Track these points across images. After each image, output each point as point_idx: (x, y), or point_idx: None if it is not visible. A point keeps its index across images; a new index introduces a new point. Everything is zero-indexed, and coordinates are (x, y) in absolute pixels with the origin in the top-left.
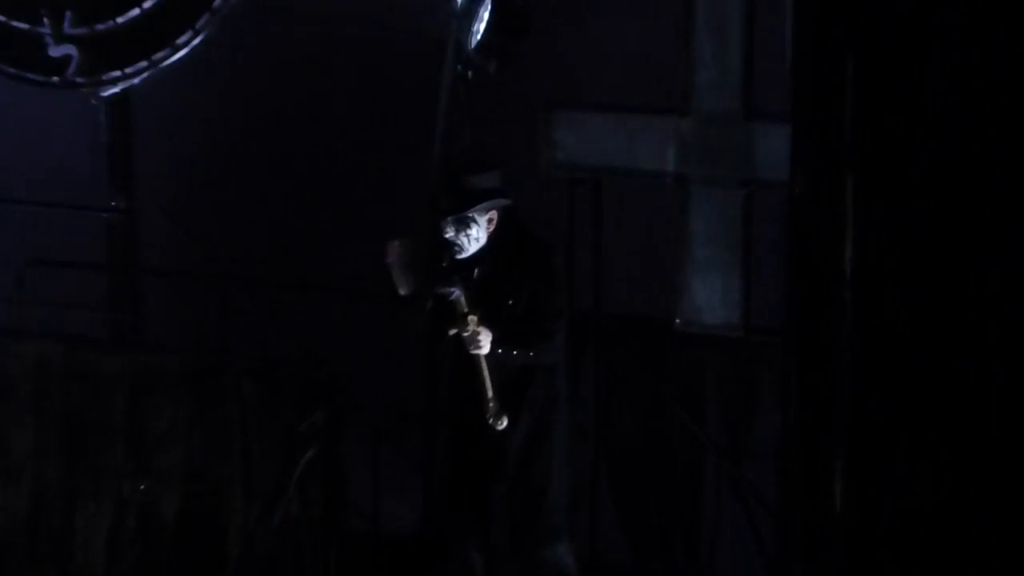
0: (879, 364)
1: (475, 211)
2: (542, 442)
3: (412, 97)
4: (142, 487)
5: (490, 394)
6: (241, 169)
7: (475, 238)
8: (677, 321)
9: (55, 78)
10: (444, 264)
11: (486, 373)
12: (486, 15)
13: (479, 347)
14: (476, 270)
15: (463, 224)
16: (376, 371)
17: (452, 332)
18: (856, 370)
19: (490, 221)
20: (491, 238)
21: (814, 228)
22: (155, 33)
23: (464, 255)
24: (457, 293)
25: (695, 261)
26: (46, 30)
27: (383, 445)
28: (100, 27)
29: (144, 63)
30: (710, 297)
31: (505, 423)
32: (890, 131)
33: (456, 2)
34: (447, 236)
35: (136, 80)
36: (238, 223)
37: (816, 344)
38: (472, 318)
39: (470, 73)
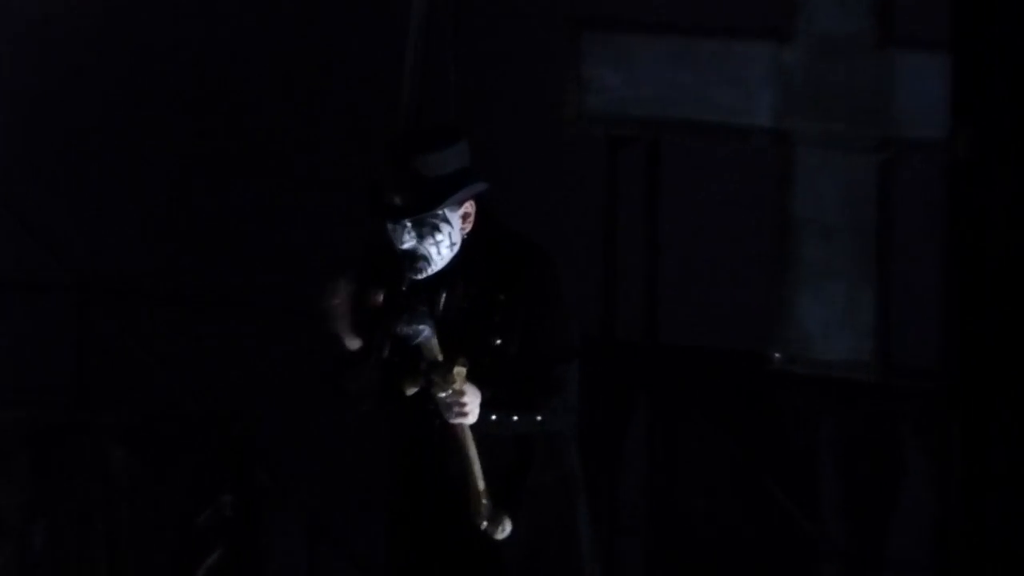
0: None
1: (445, 206)
2: (562, 552)
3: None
4: None
5: (481, 486)
6: (108, 164)
7: (447, 244)
8: (775, 356)
9: None
10: (401, 289)
11: (474, 454)
12: None
13: (463, 414)
14: (444, 293)
15: (426, 228)
16: (311, 432)
17: (413, 391)
18: None
19: (465, 217)
20: (467, 243)
21: (986, 208)
22: None
23: (429, 272)
24: (427, 333)
25: (803, 264)
26: None
27: (319, 543)
28: None
29: None
30: (826, 320)
31: (508, 530)
32: None
33: None
34: (404, 247)
35: None
36: (107, 224)
37: (992, 387)
38: (459, 370)
39: None
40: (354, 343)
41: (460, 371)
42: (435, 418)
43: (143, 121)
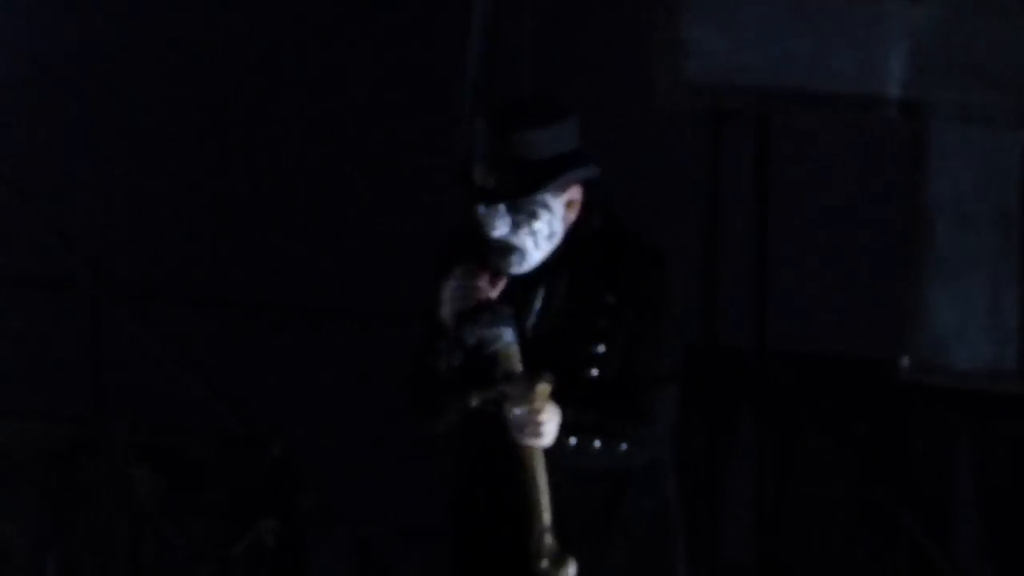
0: None
1: (546, 191)
2: None
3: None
4: None
5: (546, 520)
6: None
7: (545, 235)
8: (903, 364)
9: None
10: (489, 284)
11: (543, 483)
12: None
13: (538, 435)
14: (541, 292)
15: (523, 214)
16: (359, 450)
17: (487, 404)
18: None
19: (569, 205)
20: (571, 236)
21: None
22: None
23: (524, 268)
24: (507, 339)
25: (936, 258)
26: None
27: (369, 572)
28: None
29: None
30: (963, 322)
31: (571, 574)
32: None
33: None
34: (495, 235)
35: None
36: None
37: None
38: (542, 387)
39: None
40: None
41: (543, 388)
42: (503, 436)
43: (171, 118)
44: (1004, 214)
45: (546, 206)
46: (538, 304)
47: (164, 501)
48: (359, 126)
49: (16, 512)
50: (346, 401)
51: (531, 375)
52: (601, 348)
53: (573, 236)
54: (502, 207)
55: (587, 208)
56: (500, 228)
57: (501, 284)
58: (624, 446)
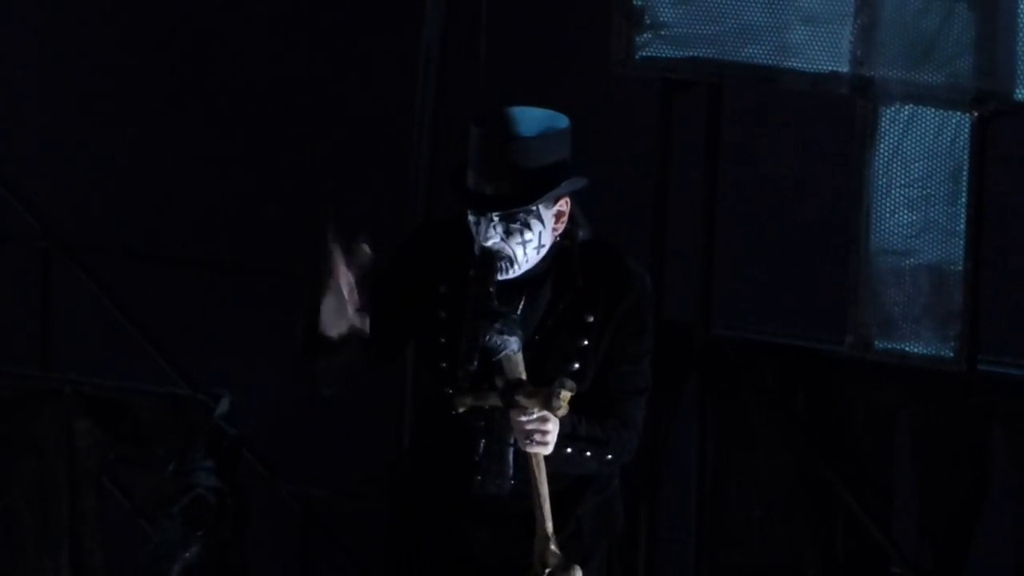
0: None
1: (540, 202)
2: None
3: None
4: None
5: (549, 528)
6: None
7: (534, 246)
8: (848, 340)
9: None
10: (484, 291)
11: (544, 489)
12: None
13: (543, 443)
14: (522, 303)
15: (515, 224)
16: (305, 412)
17: (464, 409)
18: None
19: (558, 216)
20: (556, 247)
21: None
22: None
23: (511, 275)
24: (515, 347)
25: (885, 238)
26: None
27: (311, 533)
28: None
29: None
30: (910, 301)
31: None
32: None
33: None
34: (487, 244)
35: None
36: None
37: None
38: (566, 395)
39: None
40: (340, 324)
41: (566, 395)
42: (481, 440)
43: (122, 73)
44: (952, 194)
45: (539, 217)
46: (518, 314)
47: (106, 456)
48: (311, 88)
49: None
50: (291, 359)
51: (550, 383)
52: (576, 365)
53: (559, 248)
54: (495, 216)
55: (572, 219)
56: (492, 237)
57: (354, 300)
58: (610, 456)
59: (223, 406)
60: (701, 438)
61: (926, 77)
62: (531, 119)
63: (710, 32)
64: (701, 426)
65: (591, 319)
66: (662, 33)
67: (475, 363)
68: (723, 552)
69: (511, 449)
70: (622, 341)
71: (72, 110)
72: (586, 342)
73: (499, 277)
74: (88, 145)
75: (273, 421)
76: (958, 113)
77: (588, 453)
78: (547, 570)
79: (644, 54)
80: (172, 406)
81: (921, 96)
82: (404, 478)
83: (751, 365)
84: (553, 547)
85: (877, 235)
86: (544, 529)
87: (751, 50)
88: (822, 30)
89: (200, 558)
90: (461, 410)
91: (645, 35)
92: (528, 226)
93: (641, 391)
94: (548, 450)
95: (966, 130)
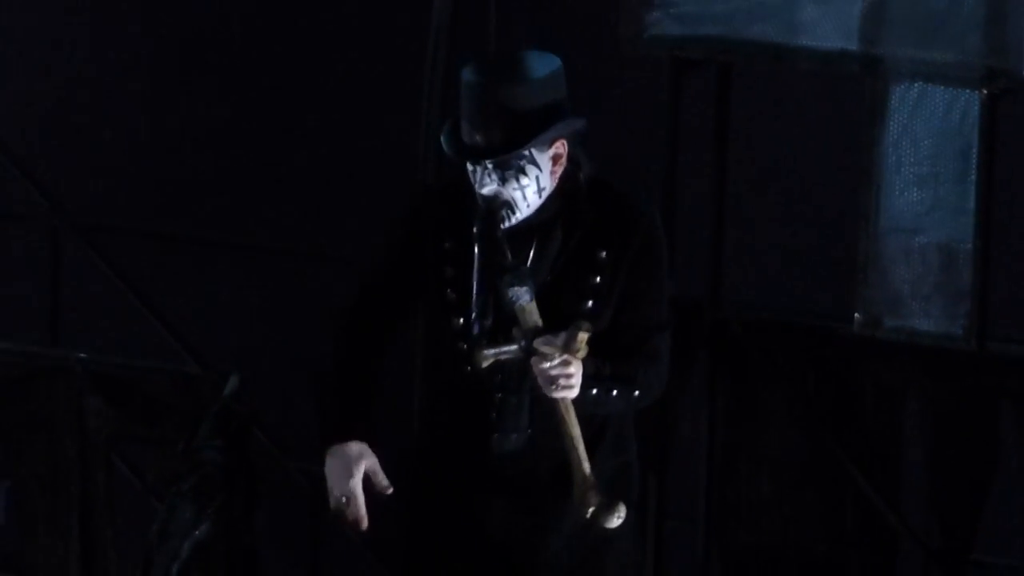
0: None
1: (531, 146)
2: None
3: None
4: None
5: (587, 469)
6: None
7: (533, 190)
8: (857, 318)
9: None
10: (489, 240)
11: (577, 433)
12: None
13: (569, 386)
14: (533, 247)
15: (510, 170)
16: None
17: (488, 363)
18: None
19: (556, 159)
20: (560, 189)
21: None
22: None
23: (514, 221)
24: (527, 297)
25: (894, 215)
26: None
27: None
28: None
29: None
30: (919, 279)
31: (622, 516)
32: None
33: None
34: (484, 192)
35: None
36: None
37: None
38: (583, 336)
39: None
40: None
41: (583, 337)
42: (498, 395)
43: (131, 50)
44: (961, 172)
45: (533, 161)
46: (530, 259)
47: (116, 434)
48: (321, 65)
49: None
50: (301, 339)
51: (572, 326)
52: (590, 303)
53: (562, 190)
54: (488, 164)
55: (574, 161)
56: (489, 185)
57: (358, 511)
58: (637, 392)
59: (232, 384)
60: (710, 416)
61: (936, 55)
62: (518, 64)
63: (720, 10)
64: (710, 404)
65: (603, 254)
66: (671, 11)
67: (490, 318)
68: (732, 530)
69: (528, 400)
70: (637, 279)
71: (82, 87)
72: (599, 279)
73: (504, 225)
74: (98, 123)
75: (283, 399)
76: (968, 91)
77: (615, 392)
78: (591, 509)
79: (653, 32)
80: (182, 384)
81: (931, 74)
82: (418, 454)
83: (760, 344)
84: (592, 491)
85: (887, 213)
86: (582, 471)
87: (761, 28)
88: (832, 8)
89: (210, 536)
90: (485, 364)
91: (655, 13)
92: (523, 171)
93: (663, 326)
94: (574, 393)
95: (976, 108)
